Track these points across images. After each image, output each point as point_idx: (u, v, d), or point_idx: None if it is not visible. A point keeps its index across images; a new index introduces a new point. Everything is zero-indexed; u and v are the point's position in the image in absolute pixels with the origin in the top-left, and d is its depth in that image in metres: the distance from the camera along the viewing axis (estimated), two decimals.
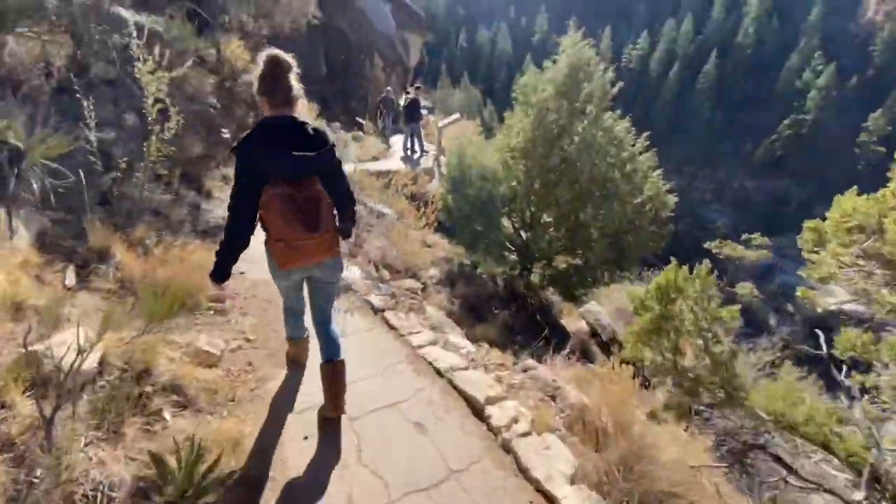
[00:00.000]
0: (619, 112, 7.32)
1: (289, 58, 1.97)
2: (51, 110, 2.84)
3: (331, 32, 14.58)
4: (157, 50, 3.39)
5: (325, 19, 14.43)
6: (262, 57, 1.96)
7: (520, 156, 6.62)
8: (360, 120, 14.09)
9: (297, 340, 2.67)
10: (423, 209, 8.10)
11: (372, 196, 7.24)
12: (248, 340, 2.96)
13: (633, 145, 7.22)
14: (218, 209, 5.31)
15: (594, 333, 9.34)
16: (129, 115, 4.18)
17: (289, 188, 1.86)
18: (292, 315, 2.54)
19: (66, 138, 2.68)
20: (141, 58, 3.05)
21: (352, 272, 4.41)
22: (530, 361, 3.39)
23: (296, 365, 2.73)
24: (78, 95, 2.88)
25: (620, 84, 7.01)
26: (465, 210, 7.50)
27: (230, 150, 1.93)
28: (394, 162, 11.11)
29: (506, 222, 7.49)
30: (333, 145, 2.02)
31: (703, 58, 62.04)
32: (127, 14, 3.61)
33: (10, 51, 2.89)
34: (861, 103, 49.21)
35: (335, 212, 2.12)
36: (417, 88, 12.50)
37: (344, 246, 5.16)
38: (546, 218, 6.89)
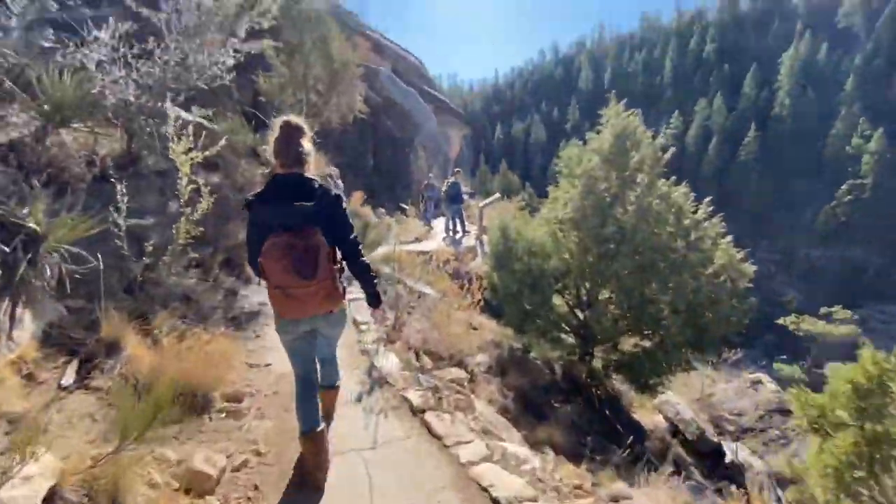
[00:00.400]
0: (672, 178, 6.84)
1: (301, 122, 2.17)
2: (83, 197, 2.73)
3: (378, 130, 15.81)
4: (201, 140, 3.39)
5: (372, 119, 15.78)
6: (277, 122, 2.15)
7: (570, 227, 6.14)
8: (403, 205, 14.49)
9: (310, 435, 2.19)
10: (467, 288, 7.60)
11: (412, 274, 6.88)
12: (258, 454, 2.38)
13: (695, 212, 6.58)
14: (255, 295, 5.08)
15: (675, 430, 7.86)
16: (172, 203, 4.15)
17: (288, 237, 1.93)
18: (303, 389, 2.24)
19: (90, 222, 2.50)
20: (174, 138, 3.02)
21: (388, 361, 3.85)
22: (621, 487, 2.50)
23: (312, 479, 2.17)
24: (113, 180, 2.81)
25: (673, 149, 6.62)
26: (513, 287, 6.93)
27: (243, 205, 2.10)
28: (435, 242, 10.98)
29: (558, 300, 6.79)
30: (338, 196, 2.09)
31: (741, 132, 62.26)
32: (174, 110, 3.73)
33: (60, 142, 2.93)
34: None
35: (341, 264, 2.18)
36: (457, 172, 12.84)
37: (380, 330, 4.75)
38: (605, 294, 6.14)
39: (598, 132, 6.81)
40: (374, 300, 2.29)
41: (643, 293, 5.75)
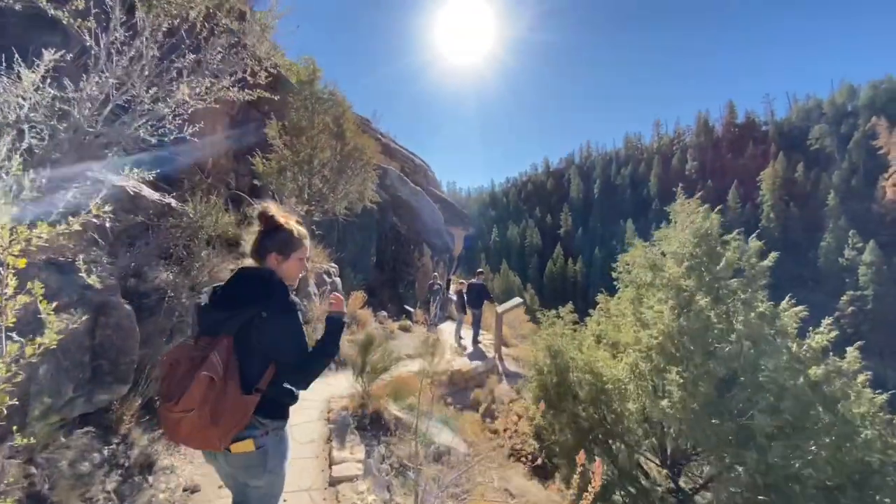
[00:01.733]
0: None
1: (280, 210, 1.73)
2: None
3: (384, 225, 14.83)
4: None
5: (378, 215, 14.88)
6: (255, 211, 1.80)
7: (663, 360, 4.38)
8: (409, 307, 12.79)
9: None
10: (499, 432, 5.56)
11: (430, 410, 4.96)
12: None
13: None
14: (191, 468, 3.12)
15: None
16: None
17: (193, 344, 1.54)
18: None
19: None
20: None
21: None
22: None
23: None
24: None
25: (775, 255, 5.22)
26: (571, 438, 4.93)
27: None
28: (451, 357, 9.05)
29: (647, 460, 4.74)
30: (283, 302, 1.54)
31: None
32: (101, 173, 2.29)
33: None
34: None
35: (260, 390, 1.52)
36: (480, 273, 11.39)
37: None
38: (726, 460, 4.14)
39: (654, 239, 5.47)
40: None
41: (789, 465, 3.79)
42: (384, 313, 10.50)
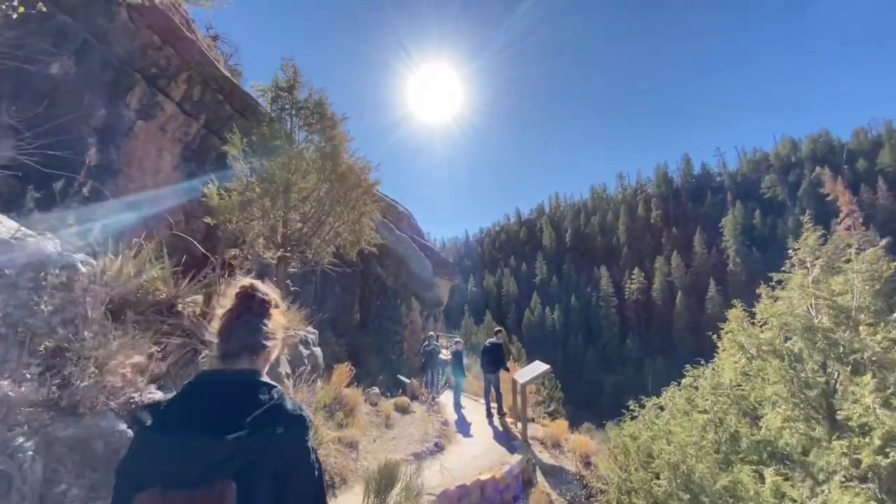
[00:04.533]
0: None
1: (269, 291, 1.25)
2: None
3: (367, 278, 12.86)
4: None
5: (361, 266, 12.95)
6: (231, 287, 1.24)
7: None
8: (403, 378, 10.55)
9: None
10: None
11: None
12: None
13: None
14: None
15: None
16: None
17: (158, 499, 0.92)
18: None
19: None
20: None
21: None
22: None
23: None
24: None
25: None
26: None
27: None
28: (469, 447, 6.87)
29: None
30: (300, 421, 1.09)
31: (703, 287, 65.94)
32: None
33: None
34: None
35: None
36: (499, 332, 9.52)
37: None
38: None
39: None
40: None
41: None
42: (376, 390, 8.29)
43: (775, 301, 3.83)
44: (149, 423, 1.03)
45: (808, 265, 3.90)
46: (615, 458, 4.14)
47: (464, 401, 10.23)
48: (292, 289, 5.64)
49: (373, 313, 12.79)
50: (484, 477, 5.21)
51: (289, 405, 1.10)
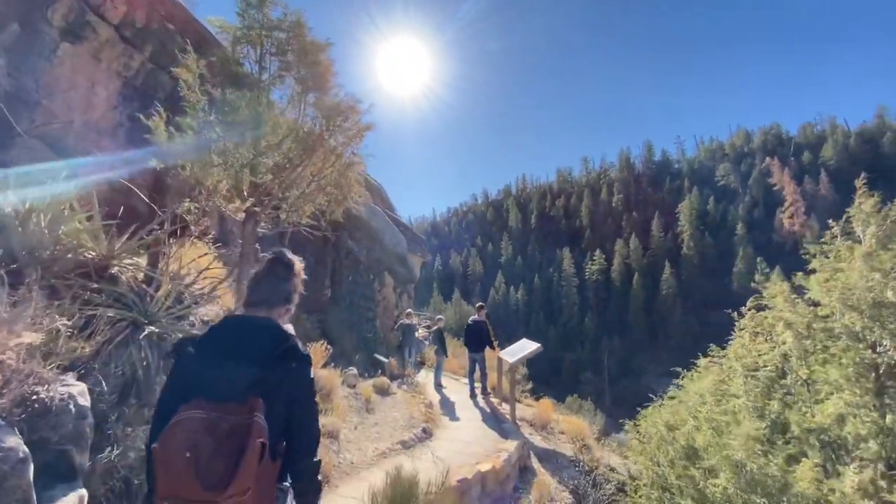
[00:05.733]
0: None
1: (296, 260, 1.58)
2: None
3: (339, 251, 11.89)
4: None
5: (333, 237, 11.96)
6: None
7: None
8: (380, 356, 9.84)
9: None
10: None
11: None
12: None
13: None
14: None
15: None
16: None
17: (207, 412, 1.17)
18: None
19: None
20: None
21: None
22: None
23: None
24: None
25: None
26: None
27: (170, 351, 1.40)
28: (458, 432, 6.33)
29: None
30: (307, 360, 1.37)
31: (658, 269, 69.03)
32: None
33: None
34: None
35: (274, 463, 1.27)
36: (481, 308, 8.99)
37: None
38: None
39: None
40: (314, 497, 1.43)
41: None
42: (353, 371, 7.56)
43: (834, 273, 3.40)
44: (192, 351, 1.32)
45: (862, 234, 3.49)
46: (644, 449, 3.69)
47: (444, 380, 9.73)
48: (261, 255, 4.76)
49: (344, 289, 11.91)
50: (484, 468, 4.67)
51: (301, 347, 1.37)
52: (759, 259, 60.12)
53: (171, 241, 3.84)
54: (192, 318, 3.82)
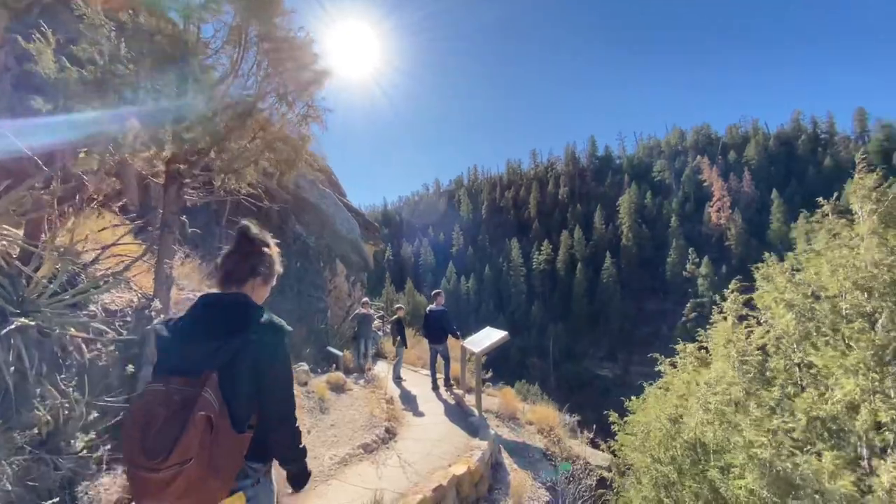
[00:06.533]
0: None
1: (264, 234, 1.57)
2: None
3: (286, 235, 10.78)
4: None
5: (278, 221, 10.84)
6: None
7: None
8: (334, 349, 9.01)
9: None
10: None
11: None
12: None
13: None
14: None
15: None
16: None
17: (168, 386, 1.24)
18: None
19: None
20: None
21: None
22: None
23: None
24: None
25: None
26: None
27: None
28: (424, 430, 5.78)
29: None
30: (277, 330, 1.39)
31: (600, 258, 72.70)
32: None
33: None
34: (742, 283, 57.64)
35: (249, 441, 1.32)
36: (438, 294, 8.40)
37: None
38: None
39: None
40: (298, 481, 1.52)
41: None
42: (304, 366, 6.74)
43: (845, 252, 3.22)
44: (165, 333, 1.38)
45: (862, 211, 3.34)
46: (642, 445, 3.37)
47: (403, 372, 9.16)
48: (189, 230, 3.86)
49: (292, 277, 10.87)
50: (458, 471, 4.18)
51: (263, 317, 1.38)
52: (690, 249, 64.98)
53: (61, 206, 2.90)
54: (92, 306, 2.93)
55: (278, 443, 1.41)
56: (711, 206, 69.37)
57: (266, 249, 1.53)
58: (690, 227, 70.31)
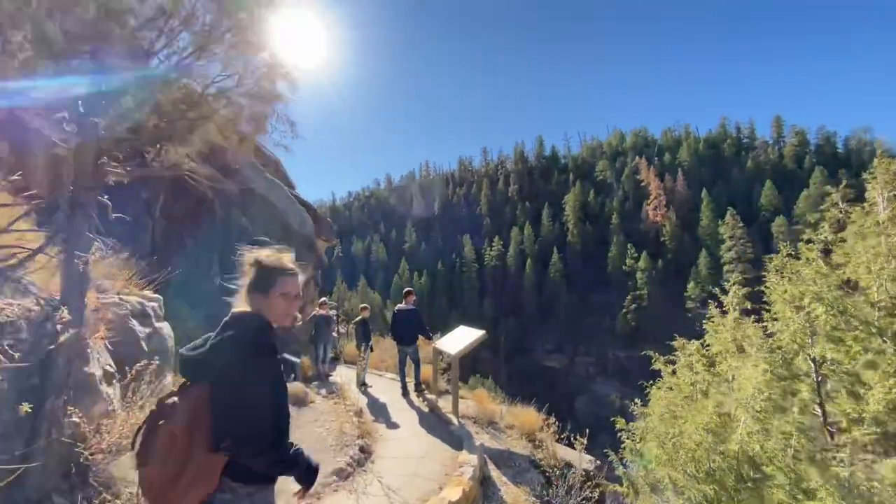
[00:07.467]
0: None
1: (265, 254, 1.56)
2: None
3: (230, 230, 9.57)
4: None
5: (222, 212, 9.62)
6: None
7: None
8: (291, 357, 8.06)
9: None
10: None
11: None
12: None
13: None
14: None
15: None
16: None
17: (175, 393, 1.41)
18: None
19: None
20: None
21: None
22: None
23: None
24: None
25: None
26: None
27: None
28: (403, 445, 5.16)
29: None
30: (255, 345, 1.36)
31: (548, 254, 75.16)
32: None
33: None
34: (676, 276, 62.01)
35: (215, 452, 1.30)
36: (409, 293, 7.74)
37: None
38: None
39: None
40: (304, 479, 1.47)
41: None
42: None
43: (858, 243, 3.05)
44: (183, 350, 1.44)
45: (881, 198, 3.21)
46: (671, 459, 3.02)
47: (367, 377, 8.44)
48: (113, 216, 2.99)
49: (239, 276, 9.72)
50: (454, 496, 3.65)
51: (240, 337, 1.35)
52: (629, 245, 68.83)
53: None
54: None
55: (258, 472, 1.35)
56: (649, 205, 73.89)
57: (256, 265, 1.50)
58: (629, 224, 74.46)
